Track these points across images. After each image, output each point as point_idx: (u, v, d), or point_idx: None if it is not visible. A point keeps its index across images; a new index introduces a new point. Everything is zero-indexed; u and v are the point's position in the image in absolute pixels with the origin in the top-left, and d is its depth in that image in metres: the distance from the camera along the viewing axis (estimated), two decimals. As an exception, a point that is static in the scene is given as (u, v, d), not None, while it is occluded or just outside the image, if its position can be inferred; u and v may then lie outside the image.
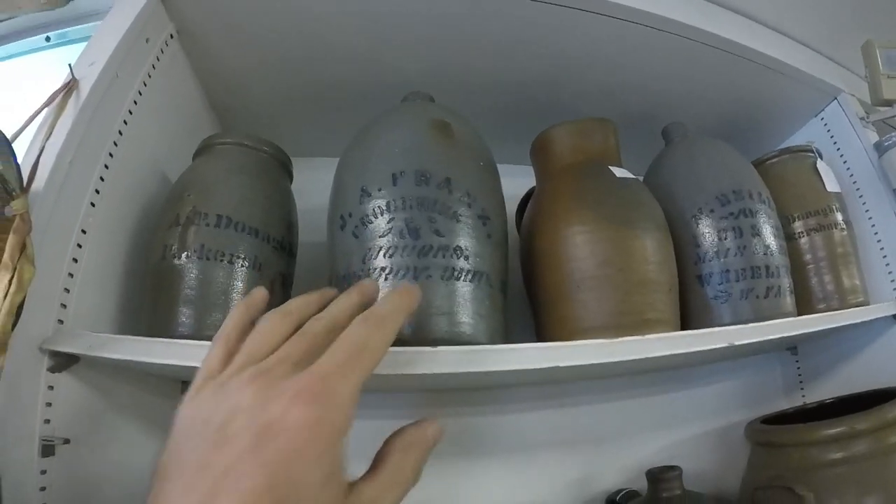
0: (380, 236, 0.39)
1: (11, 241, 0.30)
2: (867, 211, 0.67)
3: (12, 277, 0.29)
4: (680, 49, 0.59)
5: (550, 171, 0.53)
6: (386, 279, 0.38)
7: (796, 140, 0.76)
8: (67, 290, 0.36)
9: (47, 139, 0.36)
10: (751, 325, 0.48)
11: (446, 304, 0.38)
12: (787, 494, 0.49)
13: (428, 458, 0.26)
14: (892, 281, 0.64)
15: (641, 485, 0.56)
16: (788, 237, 0.61)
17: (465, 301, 0.38)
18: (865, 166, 0.67)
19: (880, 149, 0.64)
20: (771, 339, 0.49)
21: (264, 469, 0.19)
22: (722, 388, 0.74)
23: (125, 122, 0.42)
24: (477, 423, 0.62)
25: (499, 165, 0.48)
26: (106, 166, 0.40)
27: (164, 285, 0.40)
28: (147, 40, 0.45)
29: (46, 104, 0.38)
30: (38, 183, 0.34)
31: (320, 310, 0.28)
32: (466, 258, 0.39)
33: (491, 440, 0.62)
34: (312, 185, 0.51)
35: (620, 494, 0.59)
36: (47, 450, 0.33)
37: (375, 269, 0.38)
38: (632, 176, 0.51)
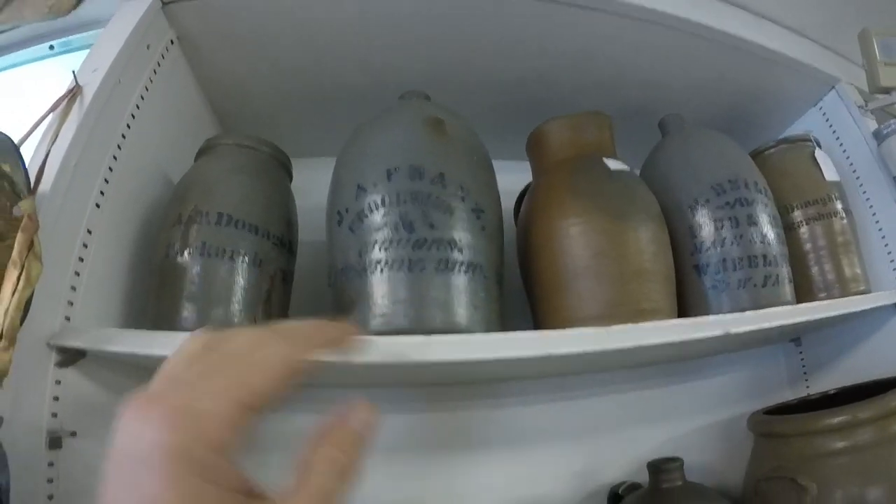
0: (375, 230, 0.40)
1: (20, 239, 0.31)
2: (867, 199, 0.67)
3: (21, 274, 0.31)
4: (678, 42, 0.59)
5: (546, 165, 0.54)
6: (382, 272, 0.39)
7: (796, 130, 0.76)
8: (74, 289, 0.37)
9: (53, 143, 0.37)
10: (747, 312, 0.48)
11: (441, 295, 0.38)
12: (790, 485, 0.48)
13: (365, 451, 0.22)
14: (895, 270, 0.64)
15: (645, 478, 0.56)
16: (788, 227, 0.61)
17: (460, 292, 0.39)
18: (865, 155, 0.67)
19: (879, 137, 0.64)
20: (771, 329, 0.48)
21: None
22: (726, 381, 0.74)
23: (128, 126, 0.44)
24: (480, 416, 0.62)
25: (498, 162, 0.48)
26: (110, 169, 0.42)
27: (168, 282, 0.41)
28: (148, 47, 0.47)
29: (51, 110, 0.39)
30: (45, 185, 0.36)
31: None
32: (461, 250, 0.40)
33: (494, 434, 0.62)
34: (312, 185, 0.52)
35: (623, 487, 0.59)
36: (55, 442, 0.34)
37: (371, 262, 0.39)
38: (626, 168, 0.51)
